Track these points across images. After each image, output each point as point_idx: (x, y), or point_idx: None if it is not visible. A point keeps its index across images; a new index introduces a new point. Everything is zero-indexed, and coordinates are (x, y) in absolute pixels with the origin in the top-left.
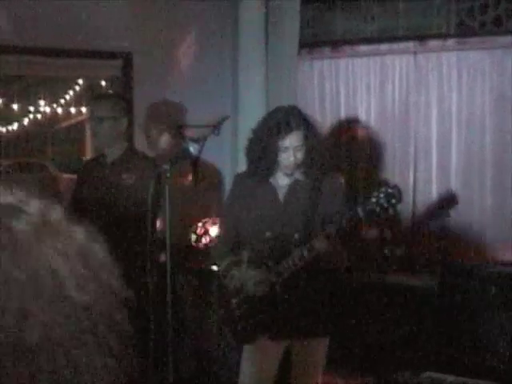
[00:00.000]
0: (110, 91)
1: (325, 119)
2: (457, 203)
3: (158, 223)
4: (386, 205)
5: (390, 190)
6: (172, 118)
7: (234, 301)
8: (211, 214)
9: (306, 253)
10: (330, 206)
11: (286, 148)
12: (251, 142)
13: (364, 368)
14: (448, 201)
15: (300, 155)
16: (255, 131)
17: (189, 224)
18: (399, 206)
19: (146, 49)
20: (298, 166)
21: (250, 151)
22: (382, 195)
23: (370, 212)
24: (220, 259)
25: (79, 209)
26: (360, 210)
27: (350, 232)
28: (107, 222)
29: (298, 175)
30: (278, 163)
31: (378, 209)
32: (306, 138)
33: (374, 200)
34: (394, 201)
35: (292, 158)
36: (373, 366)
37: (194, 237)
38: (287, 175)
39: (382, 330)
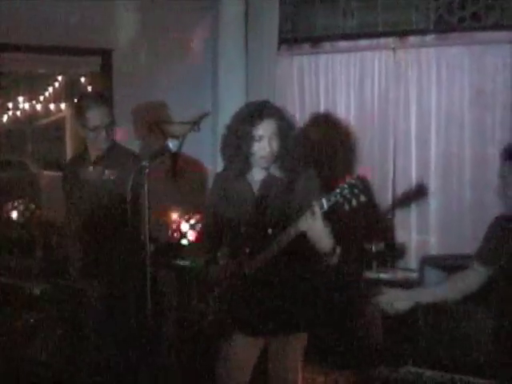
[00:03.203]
0: (90, 88)
1: (304, 115)
2: (426, 195)
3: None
4: (349, 196)
5: (353, 181)
6: (152, 115)
7: (211, 296)
8: (193, 210)
9: (292, 231)
10: (303, 202)
11: (261, 137)
12: (225, 137)
13: (343, 363)
14: (417, 192)
15: (275, 145)
16: (228, 126)
17: (170, 219)
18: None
19: (125, 46)
20: (273, 159)
21: (224, 147)
22: (345, 186)
23: (334, 203)
24: (201, 255)
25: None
26: (324, 202)
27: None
28: (93, 218)
29: (274, 170)
30: (253, 156)
31: (341, 200)
32: (279, 127)
33: (338, 191)
34: (356, 191)
35: (268, 148)
36: (352, 361)
37: (175, 232)
38: (263, 170)
39: (362, 325)
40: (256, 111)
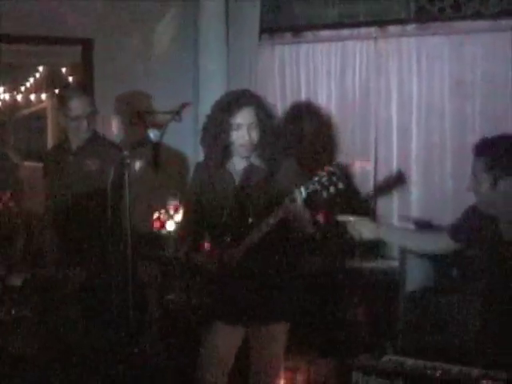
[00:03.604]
0: (71, 78)
1: (286, 104)
2: (404, 183)
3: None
4: (327, 183)
5: (331, 169)
6: (134, 105)
7: (192, 285)
8: (174, 201)
9: (272, 219)
10: (284, 190)
11: (239, 125)
12: (205, 126)
13: (327, 353)
14: (397, 180)
15: (254, 134)
16: (208, 116)
17: (151, 210)
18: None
19: (106, 35)
20: (253, 148)
21: (204, 136)
22: (324, 174)
23: (312, 191)
24: (182, 245)
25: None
26: (303, 190)
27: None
28: (74, 208)
29: (254, 159)
30: (232, 145)
31: (319, 187)
32: (258, 116)
33: (316, 179)
34: (334, 179)
35: (247, 137)
36: (335, 350)
37: (156, 223)
38: (243, 159)
39: (345, 314)
40: (234, 100)
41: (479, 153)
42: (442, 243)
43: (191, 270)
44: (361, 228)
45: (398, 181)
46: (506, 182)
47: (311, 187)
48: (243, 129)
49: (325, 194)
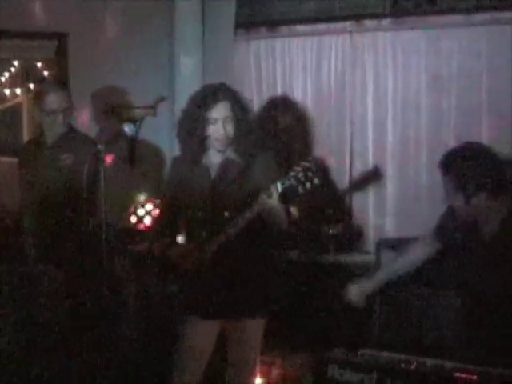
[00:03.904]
0: (46, 73)
1: (262, 99)
2: (379, 178)
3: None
4: (303, 179)
5: (307, 165)
6: (109, 99)
7: (168, 280)
8: (150, 195)
9: (248, 214)
10: (260, 185)
11: (215, 119)
12: (181, 121)
13: (302, 347)
14: (370, 175)
15: (230, 128)
16: (184, 110)
17: (127, 205)
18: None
19: (81, 30)
20: (229, 142)
21: (180, 131)
22: (299, 169)
23: (288, 186)
24: (158, 240)
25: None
26: (279, 185)
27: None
28: (49, 202)
29: (230, 153)
30: (208, 139)
31: (295, 183)
32: (233, 110)
33: (292, 174)
34: (310, 174)
35: (222, 131)
36: (310, 345)
37: (132, 218)
38: (219, 153)
39: (321, 308)
40: (210, 94)
41: (447, 170)
42: (421, 253)
43: (167, 264)
44: (351, 297)
45: (373, 175)
46: (479, 197)
47: (287, 182)
48: (219, 123)
49: (301, 190)
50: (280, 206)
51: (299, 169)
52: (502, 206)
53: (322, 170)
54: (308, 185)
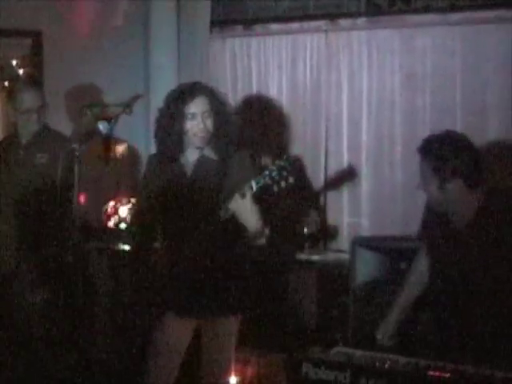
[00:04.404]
0: (21, 71)
1: (237, 98)
2: (354, 177)
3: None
4: (277, 178)
5: (282, 163)
6: (84, 97)
7: (143, 278)
8: (125, 193)
9: (222, 213)
10: (237, 183)
11: (193, 114)
12: (158, 119)
13: (276, 344)
14: (345, 174)
15: (209, 123)
16: (161, 108)
17: (102, 203)
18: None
19: (56, 28)
20: (208, 138)
21: (158, 129)
22: (274, 168)
23: (262, 185)
24: (134, 238)
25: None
26: (254, 184)
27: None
28: (23, 202)
29: (207, 151)
30: (186, 135)
31: (270, 181)
32: (211, 104)
33: (267, 173)
34: (285, 173)
35: (201, 125)
36: (285, 342)
37: (107, 216)
38: (196, 150)
39: (296, 306)
40: (188, 89)
41: (425, 154)
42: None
43: (142, 262)
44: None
45: (348, 175)
46: (452, 184)
47: (262, 181)
48: (198, 118)
49: (275, 189)
50: (253, 207)
51: (274, 168)
52: (475, 198)
53: (298, 169)
54: (283, 184)
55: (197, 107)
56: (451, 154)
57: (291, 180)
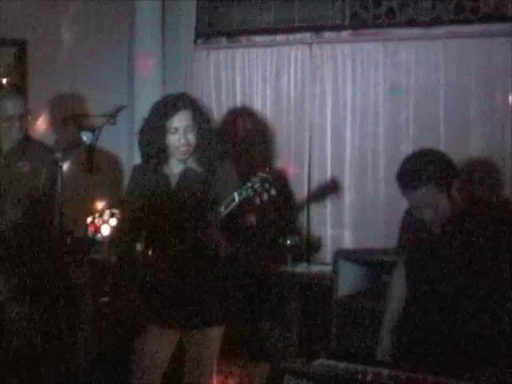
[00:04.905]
0: (4, 80)
1: (221, 109)
2: (336, 190)
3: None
4: (260, 190)
5: (264, 175)
6: (68, 107)
7: (126, 289)
8: (110, 204)
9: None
10: (221, 195)
11: (176, 129)
12: (142, 130)
13: (259, 356)
14: (327, 187)
15: (191, 137)
16: (145, 119)
17: (85, 214)
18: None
19: (40, 37)
20: (190, 152)
21: (141, 140)
22: (257, 180)
23: (245, 197)
24: (118, 250)
25: None
26: (236, 196)
27: (232, 218)
28: (4, 211)
29: (191, 163)
30: (169, 149)
31: (252, 194)
32: (194, 119)
33: (249, 185)
34: (267, 185)
35: (183, 140)
36: (267, 354)
37: (91, 227)
38: (180, 162)
39: (279, 318)
40: (171, 103)
41: (402, 188)
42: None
43: (125, 273)
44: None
45: (330, 188)
46: (428, 186)
47: (244, 193)
48: (180, 132)
49: (258, 201)
50: (217, 234)
51: (257, 179)
52: (450, 203)
53: (282, 181)
54: (265, 196)
55: (179, 122)
56: (425, 163)
57: (273, 192)
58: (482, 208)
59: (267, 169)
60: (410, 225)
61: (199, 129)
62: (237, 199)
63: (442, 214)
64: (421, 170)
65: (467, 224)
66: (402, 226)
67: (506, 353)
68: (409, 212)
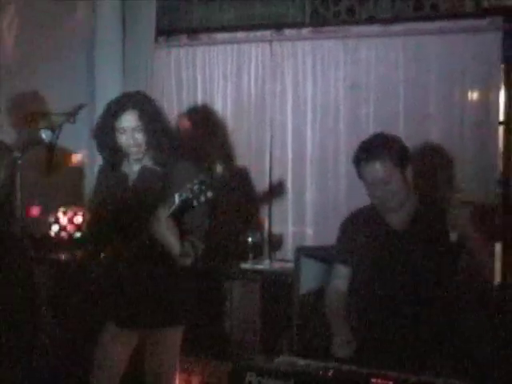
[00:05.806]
0: None
1: (182, 107)
2: (285, 193)
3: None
4: (197, 192)
5: (202, 178)
6: (28, 105)
7: (87, 288)
8: (69, 203)
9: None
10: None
11: (123, 129)
12: (94, 131)
13: (220, 353)
14: (276, 190)
15: (140, 137)
16: (98, 120)
17: (45, 213)
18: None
19: (0, 36)
20: (141, 151)
21: (95, 140)
22: (195, 182)
23: (184, 199)
24: (83, 248)
25: None
26: (176, 197)
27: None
28: None
29: (147, 161)
30: (121, 148)
31: (191, 195)
32: (142, 119)
33: (188, 187)
34: (204, 188)
35: (131, 140)
36: (229, 352)
37: (52, 227)
38: (136, 161)
39: (240, 316)
40: (118, 104)
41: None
42: (340, 285)
43: (86, 272)
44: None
45: (277, 191)
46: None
47: (184, 195)
48: (127, 132)
49: (195, 203)
50: (167, 230)
51: (195, 181)
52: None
53: (223, 182)
54: (202, 198)
55: (127, 121)
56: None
57: (210, 195)
58: (437, 209)
59: (205, 171)
60: (359, 228)
61: (148, 128)
62: (177, 200)
63: (396, 195)
64: (377, 145)
65: (428, 222)
66: (342, 235)
67: (465, 347)
68: (349, 219)
